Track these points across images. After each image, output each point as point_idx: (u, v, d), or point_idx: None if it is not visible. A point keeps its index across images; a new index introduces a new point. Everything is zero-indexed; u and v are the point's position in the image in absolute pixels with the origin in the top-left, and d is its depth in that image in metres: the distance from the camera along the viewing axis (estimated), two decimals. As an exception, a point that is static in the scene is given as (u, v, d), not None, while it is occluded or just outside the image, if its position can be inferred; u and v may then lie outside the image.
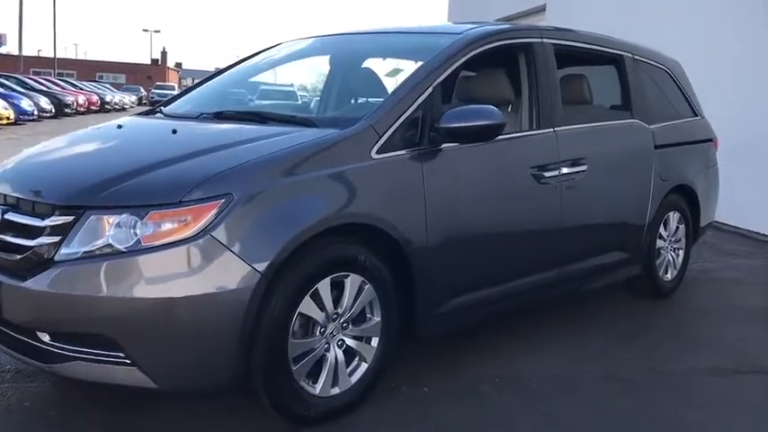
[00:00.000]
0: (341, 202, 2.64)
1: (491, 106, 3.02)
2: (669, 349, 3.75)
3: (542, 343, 3.73)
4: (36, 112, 23.00)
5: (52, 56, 46.94)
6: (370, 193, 2.74)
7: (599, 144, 3.97)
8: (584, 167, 3.74)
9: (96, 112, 31.20)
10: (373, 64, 3.66)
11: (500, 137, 3.16)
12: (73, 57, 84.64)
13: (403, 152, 2.89)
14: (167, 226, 2.32)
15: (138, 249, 2.31)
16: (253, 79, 4.11)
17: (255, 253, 2.38)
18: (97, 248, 2.34)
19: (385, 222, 2.75)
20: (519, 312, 3.85)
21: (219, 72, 4.09)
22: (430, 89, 3.03)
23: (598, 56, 4.28)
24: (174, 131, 3.03)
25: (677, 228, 4.76)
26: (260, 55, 4.10)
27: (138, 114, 3.75)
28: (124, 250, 2.31)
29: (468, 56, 3.29)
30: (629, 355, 3.63)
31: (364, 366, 2.79)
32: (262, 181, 2.46)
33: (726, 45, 7.62)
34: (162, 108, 3.71)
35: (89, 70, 66.31)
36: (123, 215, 2.35)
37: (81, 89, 34.08)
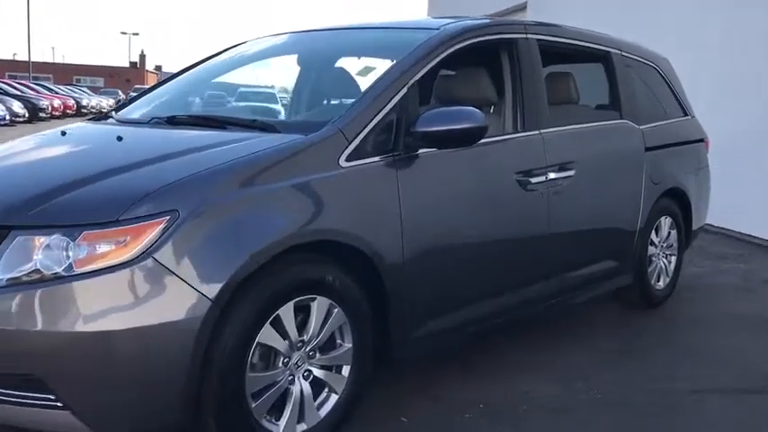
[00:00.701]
0: (306, 217, 2.36)
1: (471, 108, 2.75)
2: (667, 365, 3.50)
3: (529, 361, 3.46)
4: (8, 117, 22.54)
5: (28, 59, 46.17)
6: (338, 206, 2.45)
7: (587, 147, 3.71)
8: (572, 172, 3.48)
9: (72, 115, 30.63)
10: (345, 62, 3.38)
11: (482, 140, 2.90)
12: (50, 60, 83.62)
13: (375, 159, 2.61)
14: (103, 248, 2.03)
15: (70, 275, 2.01)
16: (218, 80, 3.82)
17: (206, 277, 2.09)
18: (24, 274, 2.03)
19: (356, 238, 2.47)
20: (503, 330, 3.58)
21: (180, 72, 3.79)
22: (404, 89, 2.76)
23: (585, 52, 4.03)
24: (120, 138, 2.73)
25: (669, 233, 4.52)
26: (222, 55, 3.80)
27: (89, 119, 3.44)
28: (54, 276, 2.01)
29: (447, 53, 3.02)
30: (623, 373, 3.37)
31: (334, 398, 2.50)
32: (213, 194, 2.17)
33: (713, 40, 7.42)
34: (113, 112, 3.40)
35: (66, 74, 65.44)
36: (54, 236, 2.05)
37: (56, 93, 33.48)
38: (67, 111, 30.87)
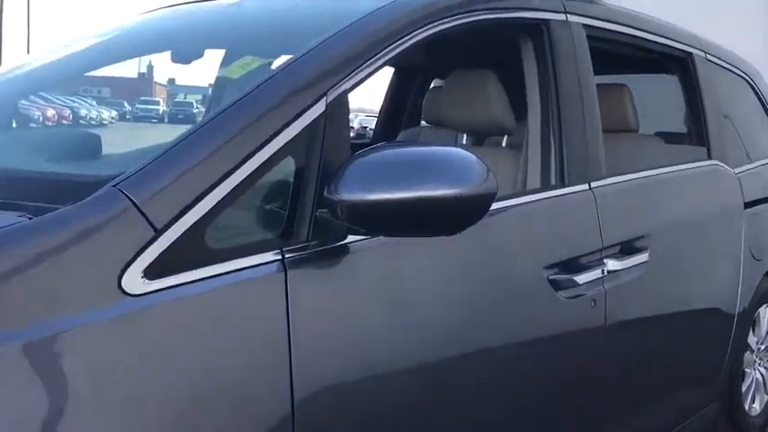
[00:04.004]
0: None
1: (457, 149, 1.27)
2: None
3: None
4: (-10, 128, 21.41)
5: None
6: (106, 403, 0.97)
7: (666, 209, 2.21)
8: (644, 256, 1.97)
9: (68, 126, 29.60)
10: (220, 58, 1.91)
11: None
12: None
13: (232, 267, 1.13)
14: None
15: None
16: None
17: None
18: None
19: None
20: None
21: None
22: (319, 107, 1.28)
23: (654, 52, 2.52)
24: None
25: (769, 329, 3.01)
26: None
27: None
28: None
29: (415, 39, 1.52)
30: None
31: None
32: None
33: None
34: None
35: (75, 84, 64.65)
36: None
37: (53, 103, 32.51)
38: (63, 121, 29.79)
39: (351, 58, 1.38)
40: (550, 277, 1.68)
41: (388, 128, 3.51)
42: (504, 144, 2.29)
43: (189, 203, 1.09)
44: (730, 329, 2.58)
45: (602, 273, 1.81)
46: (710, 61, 2.77)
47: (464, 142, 2.38)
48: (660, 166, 2.33)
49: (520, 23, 1.92)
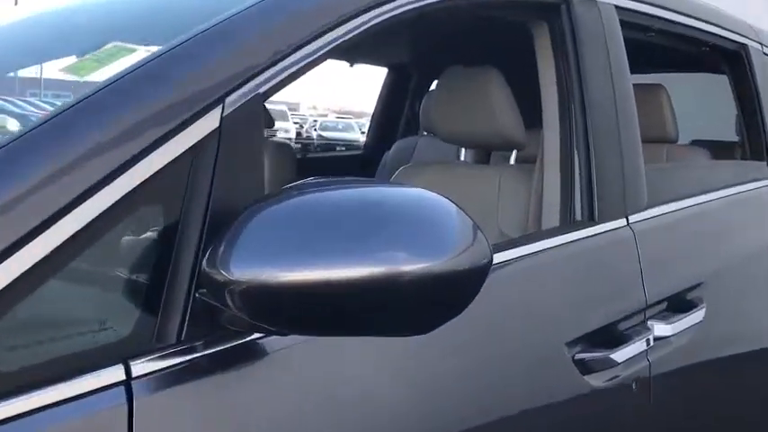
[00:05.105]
0: None
1: (424, 191, 0.76)
2: None
3: None
4: (-3, 135, 21.48)
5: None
6: None
7: (725, 246, 1.71)
8: (700, 312, 1.47)
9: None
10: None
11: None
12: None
13: (36, 401, 0.65)
14: None
15: None
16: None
17: None
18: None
19: None
20: None
21: None
22: (208, 121, 0.79)
23: (702, 43, 2.01)
24: None
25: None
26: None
27: None
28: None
29: (374, 21, 1.03)
30: None
31: None
32: None
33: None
34: None
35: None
36: None
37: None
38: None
39: (264, 49, 0.90)
40: (576, 356, 1.18)
41: (380, 138, 3.05)
42: (512, 161, 1.80)
43: None
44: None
45: (647, 343, 1.31)
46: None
47: (461, 158, 1.90)
48: (714, 189, 1.82)
49: (531, 3, 1.43)
